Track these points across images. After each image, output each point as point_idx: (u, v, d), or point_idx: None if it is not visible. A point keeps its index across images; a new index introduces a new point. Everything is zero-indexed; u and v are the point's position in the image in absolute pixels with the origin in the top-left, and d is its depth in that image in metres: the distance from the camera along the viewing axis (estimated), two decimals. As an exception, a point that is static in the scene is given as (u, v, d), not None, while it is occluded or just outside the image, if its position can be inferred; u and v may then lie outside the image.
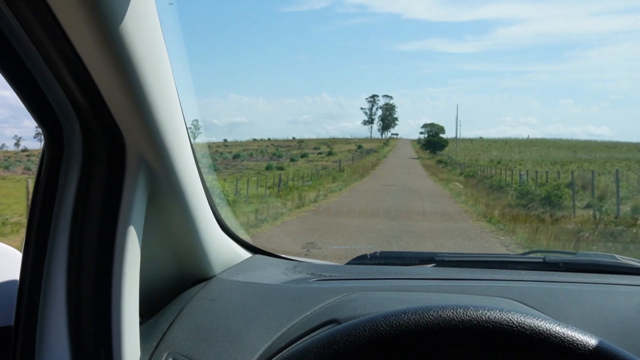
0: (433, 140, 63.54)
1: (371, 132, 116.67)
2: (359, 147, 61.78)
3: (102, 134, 0.80)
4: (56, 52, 0.68)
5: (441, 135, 67.44)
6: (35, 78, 0.73)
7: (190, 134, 0.96)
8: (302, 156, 48.63)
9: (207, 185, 1.08)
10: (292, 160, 41.31)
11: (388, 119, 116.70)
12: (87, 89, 0.73)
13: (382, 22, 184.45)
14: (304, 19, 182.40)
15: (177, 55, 0.90)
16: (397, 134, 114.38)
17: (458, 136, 68.98)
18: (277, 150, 55.94)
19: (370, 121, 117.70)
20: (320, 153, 52.06)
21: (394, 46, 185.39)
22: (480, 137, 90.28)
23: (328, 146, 64.37)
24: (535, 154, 48.64)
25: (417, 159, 49.90)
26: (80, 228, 0.80)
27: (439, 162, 41.80)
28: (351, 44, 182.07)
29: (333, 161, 34.07)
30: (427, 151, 60.76)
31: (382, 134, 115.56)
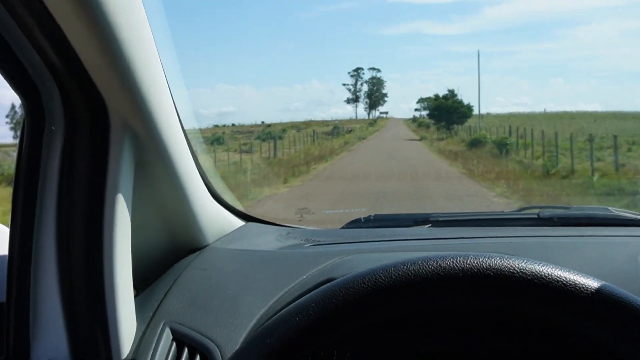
0: (446, 106, 34.57)
1: (356, 112, 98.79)
2: (335, 128, 45.01)
3: (83, 99, 0.77)
4: (25, 9, 0.64)
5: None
6: (4, 37, 0.69)
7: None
8: (214, 143, 31.38)
9: (197, 154, 1.05)
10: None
11: (376, 94, 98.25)
12: (62, 49, 0.69)
13: (367, 6, 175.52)
14: (289, 5, 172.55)
15: (159, 24, 0.85)
16: (386, 113, 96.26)
17: (473, 103, 40.96)
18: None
19: (354, 99, 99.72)
20: (257, 138, 34.40)
21: (381, 30, 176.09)
22: (488, 113, 72.26)
23: (298, 129, 47.53)
24: (616, 128, 30.78)
25: (418, 140, 31.03)
26: (67, 198, 0.78)
27: (475, 144, 19.22)
28: (338, 29, 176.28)
29: (243, 151, 17.25)
30: (435, 127, 35.95)
31: (369, 114, 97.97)
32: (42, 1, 0.62)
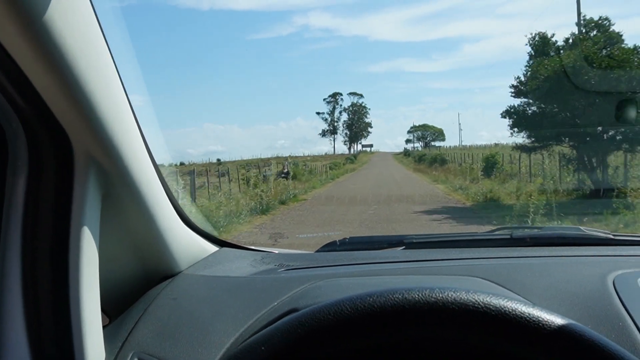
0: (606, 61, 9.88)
1: (334, 145, 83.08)
2: (295, 165, 30.12)
3: (47, 134, 0.79)
4: None
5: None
6: None
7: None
8: None
9: (166, 182, 1.05)
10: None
11: (357, 124, 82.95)
12: (23, 88, 0.71)
13: (350, 45, 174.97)
14: (272, 45, 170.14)
15: (123, 55, 0.88)
16: (371, 146, 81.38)
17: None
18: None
19: (331, 130, 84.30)
20: None
21: (364, 68, 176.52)
22: (495, 144, 57.07)
23: (246, 168, 32.55)
24: None
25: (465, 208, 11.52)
26: (32, 232, 0.79)
27: None
28: (321, 67, 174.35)
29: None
30: (534, 149, 14.47)
31: (349, 147, 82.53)
32: (5, 48, 0.64)
